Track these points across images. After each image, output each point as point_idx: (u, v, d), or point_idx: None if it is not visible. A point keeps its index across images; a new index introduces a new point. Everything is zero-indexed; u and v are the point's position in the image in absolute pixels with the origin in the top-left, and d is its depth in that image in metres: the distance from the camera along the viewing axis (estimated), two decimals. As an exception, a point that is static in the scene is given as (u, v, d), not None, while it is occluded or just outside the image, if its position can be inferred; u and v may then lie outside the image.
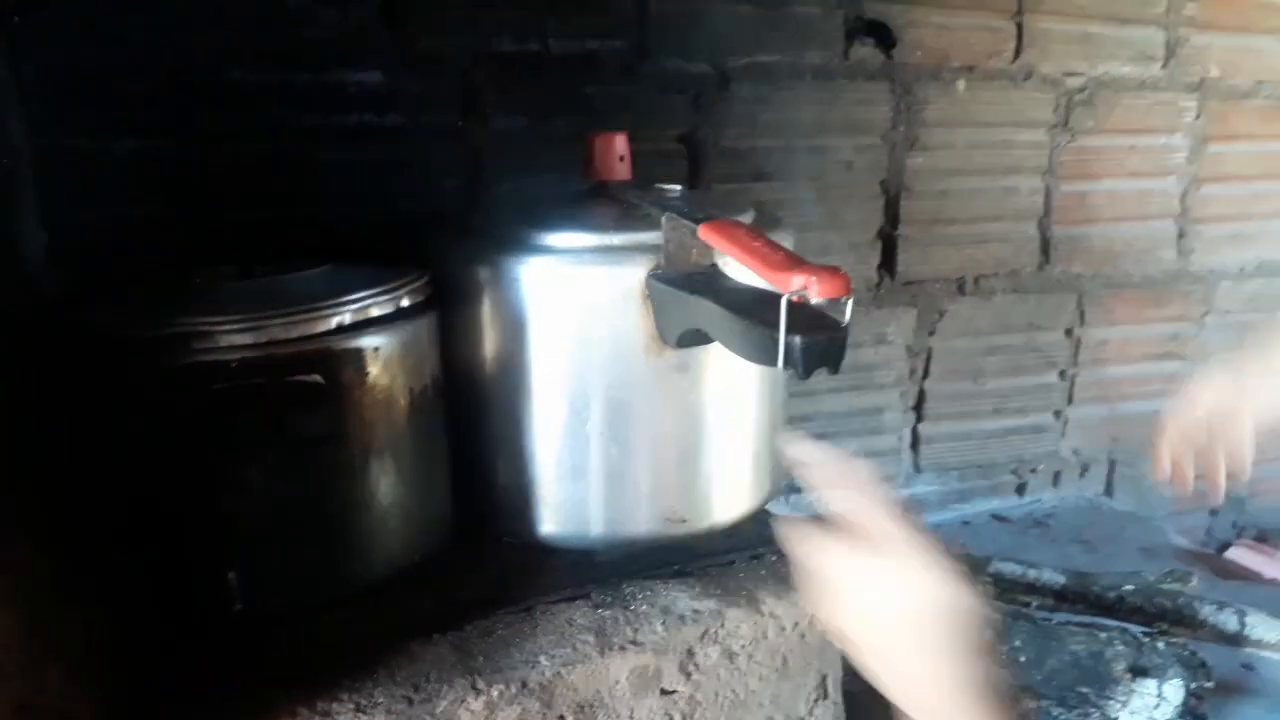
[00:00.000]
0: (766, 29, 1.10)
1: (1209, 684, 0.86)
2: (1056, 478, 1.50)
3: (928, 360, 1.34)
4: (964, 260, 1.32)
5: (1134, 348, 1.49)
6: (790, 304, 0.54)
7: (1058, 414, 1.46)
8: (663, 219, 0.68)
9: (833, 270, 0.55)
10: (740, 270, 0.65)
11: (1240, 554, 1.39)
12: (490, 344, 0.74)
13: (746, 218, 0.76)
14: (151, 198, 0.82)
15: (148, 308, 0.57)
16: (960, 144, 1.27)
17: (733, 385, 0.76)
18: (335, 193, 0.90)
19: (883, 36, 1.18)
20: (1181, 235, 1.47)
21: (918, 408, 1.36)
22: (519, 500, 0.76)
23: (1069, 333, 1.42)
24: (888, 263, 1.27)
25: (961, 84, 1.24)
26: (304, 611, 0.61)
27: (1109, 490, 1.55)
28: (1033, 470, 1.47)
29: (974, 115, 1.27)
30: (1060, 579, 0.97)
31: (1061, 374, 1.44)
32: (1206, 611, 0.95)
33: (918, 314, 1.31)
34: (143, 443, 0.55)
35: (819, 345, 0.54)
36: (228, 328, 0.56)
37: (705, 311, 0.63)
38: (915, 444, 1.37)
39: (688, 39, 1.06)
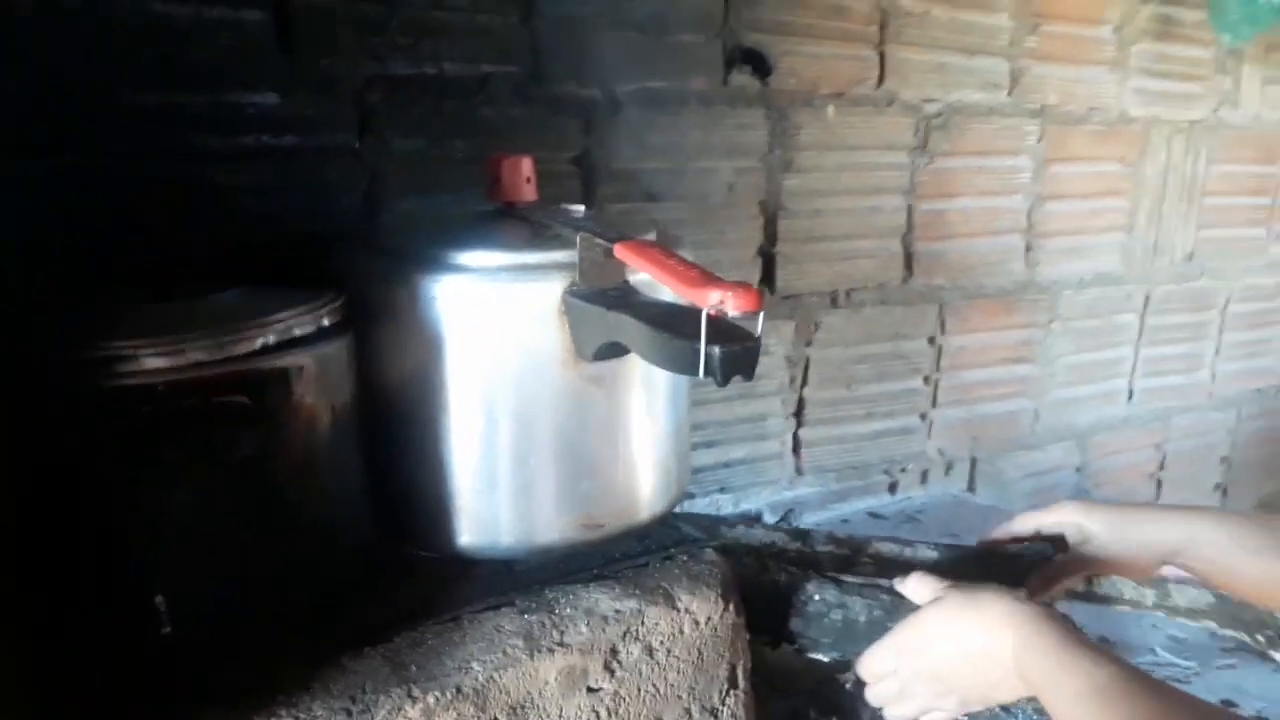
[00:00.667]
0: (653, 56, 1.16)
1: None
2: (924, 476, 1.61)
3: (806, 369, 1.42)
4: (836, 275, 1.41)
5: (989, 353, 1.62)
6: (709, 317, 0.58)
7: (923, 416, 1.57)
8: (578, 238, 0.71)
9: (746, 286, 0.59)
10: (652, 286, 0.70)
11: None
12: (407, 361, 0.75)
13: (651, 237, 0.81)
14: (51, 221, 0.79)
15: (70, 331, 0.57)
16: (831, 166, 1.36)
17: (644, 396, 0.80)
18: (234, 213, 0.89)
19: (759, 65, 1.25)
20: (1029, 249, 1.61)
21: (798, 414, 1.43)
22: (439, 513, 0.77)
23: (931, 340, 1.53)
24: (768, 278, 1.34)
25: (831, 109, 1.33)
26: (234, 631, 0.61)
27: (971, 486, 1.68)
28: (903, 469, 1.57)
29: (843, 139, 1.36)
30: (934, 554, 1.05)
31: (926, 379, 1.55)
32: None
33: (795, 326, 1.39)
34: (69, 467, 0.54)
35: (736, 355, 0.58)
36: (153, 351, 0.56)
37: (624, 326, 0.67)
38: (797, 448, 1.44)
39: (579, 64, 1.10)
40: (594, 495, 0.79)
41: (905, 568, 1.07)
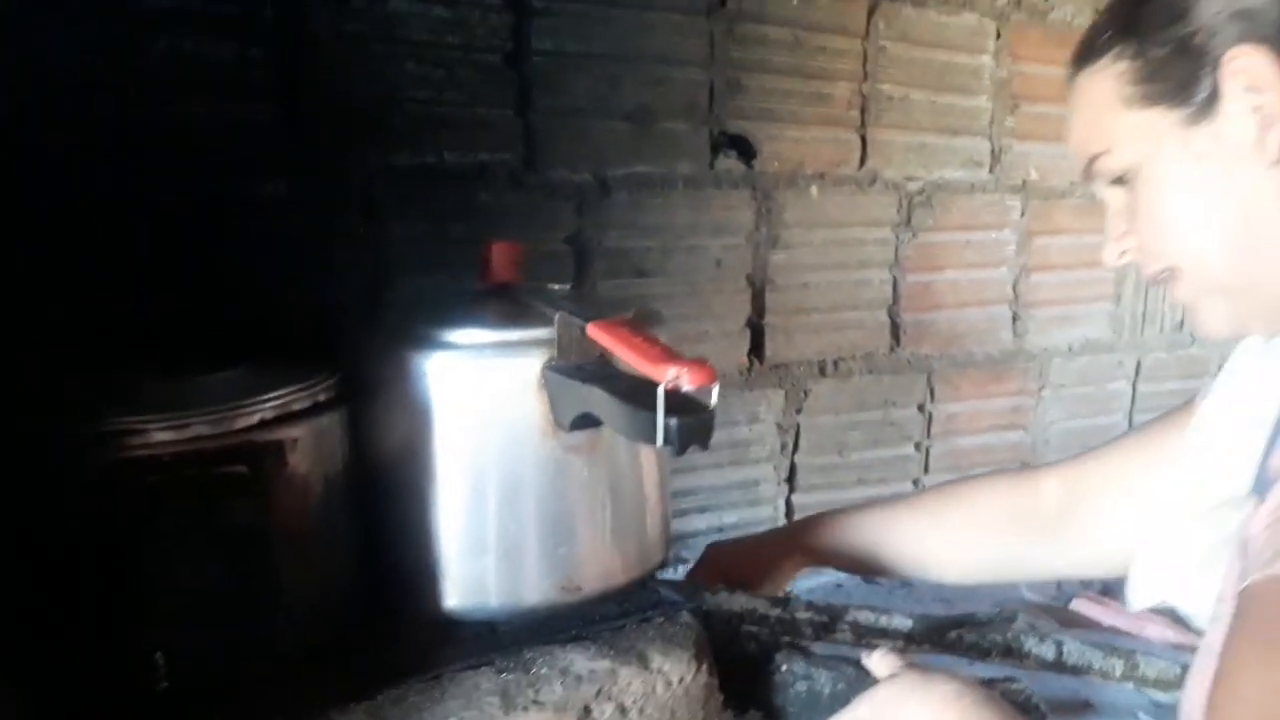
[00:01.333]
0: (641, 143, 1.23)
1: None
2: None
3: (797, 436, 1.46)
4: (825, 345, 1.46)
5: (980, 420, 1.66)
6: (666, 391, 0.63)
7: (916, 482, 1.60)
8: (555, 317, 0.77)
9: (701, 362, 0.65)
10: (622, 362, 0.75)
11: (1082, 605, 1.54)
12: (398, 432, 0.81)
13: (629, 314, 0.87)
14: (73, 300, 0.86)
15: (87, 405, 0.63)
16: (817, 242, 1.42)
17: (622, 464, 0.84)
18: (246, 293, 0.96)
19: (744, 149, 1.32)
20: (1016, 318, 1.66)
21: (790, 480, 1.47)
22: (426, 577, 0.82)
23: (921, 408, 1.58)
24: (756, 348, 1.40)
25: (815, 189, 1.40)
26: (227, 687, 0.66)
27: (967, 551, 1.69)
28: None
29: (828, 216, 1.42)
30: (908, 622, 1.08)
31: (917, 446, 1.59)
32: (1030, 644, 1.07)
33: (785, 394, 1.44)
34: (79, 532, 0.60)
35: (691, 425, 0.63)
36: (160, 425, 0.62)
37: (595, 398, 0.72)
38: (789, 513, 1.48)
39: (570, 152, 1.18)
40: (574, 559, 0.83)
41: (881, 635, 1.10)
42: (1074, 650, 1.07)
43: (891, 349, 1.53)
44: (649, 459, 0.88)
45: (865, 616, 1.13)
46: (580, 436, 0.79)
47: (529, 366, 0.77)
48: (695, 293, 1.32)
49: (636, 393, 0.67)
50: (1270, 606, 0.56)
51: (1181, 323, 1.88)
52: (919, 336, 1.55)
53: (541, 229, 1.17)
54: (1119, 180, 0.74)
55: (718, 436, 1.37)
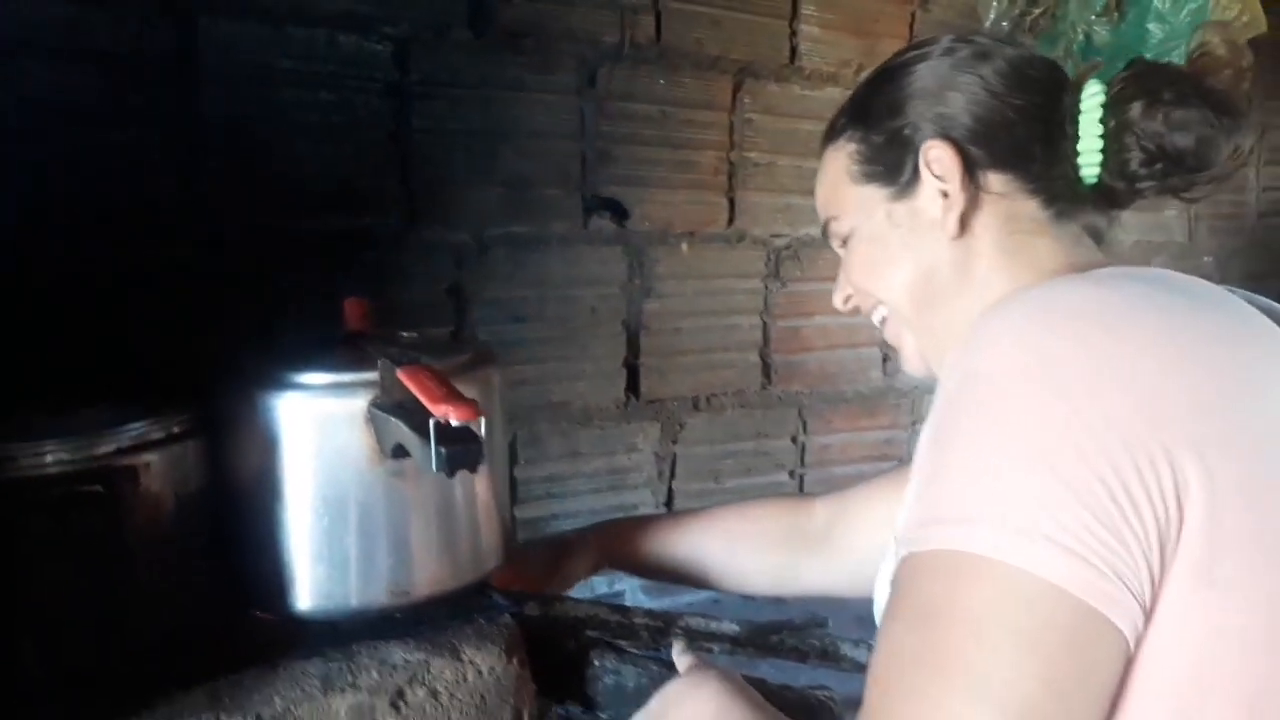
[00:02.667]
0: (517, 206, 1.40)
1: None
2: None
3: (673, 464, 1.61)
4: (697, 383, 1.62)
5: (854, 450, 1.81)
6: (438, 425, 0.79)
7: (792, 508, 1.75)
8: (379, 362, 0.93)
9: (468, 402, 0.81)
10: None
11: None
12: (251, 460, 0.96)
13: (461, 357, 1.03)
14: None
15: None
16: (689, 292, 1.58)
17: (447, 485, 1.00)
18: (148, 341, 1.12)
19: (617, 210, 1.49)
20: (886, 359, 1.82)
21: (668, 504, 1.62)
22: (275, 583, 0.97)
23: (794, 440, 1.73)
24: (633, 386, 1.56)
25: (685, 246, 1.57)
26: (90, 675, 0.81)
27: (845, 572, 1.84)
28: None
29: (698, 269, 1.59)
30: (735, 628, 1.23)
31: (791, 474, 1.74)
32: (845, 648, 1.22)
33: (661, 426, 1.59)
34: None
35: (457, 453, 0.79)
36: (31, 453, 0.78)
37: (402, 431, 0.88)
38: (668, 537, 1.63)
39: (450, 215, 1.34)
40: (402, 568, 0.98)
41: (710, 639, 1.26)
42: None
43: (763, 386, 1.68)
44: (479, 480, 1.04)
45: (697, 622, 1.28)
46: (403, 463, 0.95)
47: (358, 404, 0.93)
48: (572, 337, 1.48)
49: (423, 426, 0.83)
50: (901, 582, 0.62)
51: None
52: (790, 375, 1.70)
53: (424, 282, 1.34)
54: (844, 241, 0.88)
55: (596, 463, 1.53)
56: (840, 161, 0.87)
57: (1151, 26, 1.61)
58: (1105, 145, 0.76)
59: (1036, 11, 1.65)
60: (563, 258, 1.45)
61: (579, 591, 1.54)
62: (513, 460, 1.45)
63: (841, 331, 1.76)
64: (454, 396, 0.82)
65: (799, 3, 1.60)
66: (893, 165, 0.81)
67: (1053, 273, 0.75)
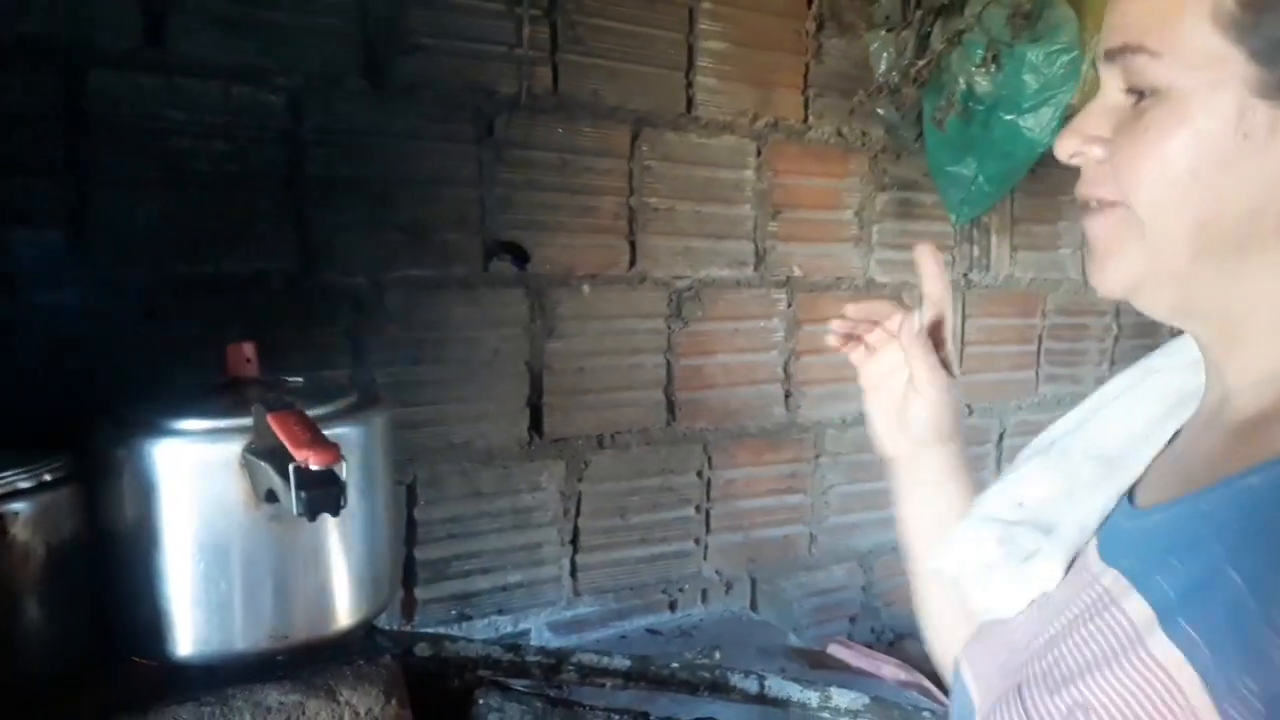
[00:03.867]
0: (415, 251, 1.43)
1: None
2: (704, 595, 1.82)
3: (579, 502, 1.64)
4: (602, 421, 1.65)
5: (759, 484, 1.86)
6: (298, 469, 0.82)
7: (698, 541, 1.79)
8: (253, 408, 0.95)
9: (329, 446, 0.83)
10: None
11: (837, 650, 1.73)
12: (130, 506, 0.98)
13: (345, 400, 1.06)
14: None
15: None
16: (591, 332, 1.62)
17: (325, 529, 1.02)
18: (35, 389, 1.13)
19: (518, 254, 1.53)
20: (789, 395, 1.87)
21: (574, 541, 1.65)
22: (153, 629, 0.98)
23: (699, 474, 1.77)
24: (536, 425, 1.59)
25: (586, 288, 1.61)
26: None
27: (753, 604, 1.88)
28: (680, 589, 1.78)
29: (600, 310, 1.63)
30: (627, 663, 1.26)
31: (697, 508, 1.78)
32: (735, 679, 1.26)
33: (566, 464, 1.62)
34: None
35: (316, 496, 0.82)
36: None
37: (271, 476, 0.90)
38: (574, 572, 1.66)
39: (346, 259, 1.37)
40: (281, 612, 1.00)
41: (603, 674, 1.28)
42: (774, 685, 1.26)
43: (668, 423, 1.72)
44: (361, 521, 1.06)
45: (589, 658, 1.31)
46: (280, 507, 0.97)
47: (233, 450, 0.95)
48: (474, 378, 1.51)
49: (287, 470, 0.86)
50: None
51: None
52: (694, 412, 1.75)
53: (321, 325, 1.36)
54: (1138, 92, 0.57)
55: (500, 503, 1.56)
56: None
57: (1027, 78, 1.70)
58: None
59: (921, 63, 1.73)
60: (463, 300, 1.48)
61: (482, 632, 1.57)
62: (412, 501, 1.47)
63: (743, 370, 1.81)
64: (316, 441, 0.84)
65: (694, 54, 1.67)
66: None
67: None
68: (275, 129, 1.30)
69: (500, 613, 1.59)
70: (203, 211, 1.26)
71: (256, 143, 1.29)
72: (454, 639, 1.27)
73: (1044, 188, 2.09)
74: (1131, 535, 0.61)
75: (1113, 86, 0.59)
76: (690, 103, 1.68)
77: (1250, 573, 0.47)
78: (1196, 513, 0.54)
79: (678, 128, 1.67)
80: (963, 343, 2.11)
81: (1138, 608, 0.53)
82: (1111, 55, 0.58)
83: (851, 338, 0.91)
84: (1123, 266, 0.59)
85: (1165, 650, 0.49)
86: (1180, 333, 0.67)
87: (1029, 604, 0.65)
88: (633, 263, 1.65)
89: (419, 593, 1.50)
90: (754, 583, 1.88)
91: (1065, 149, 0.61)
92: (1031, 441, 0.76)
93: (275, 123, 1.30)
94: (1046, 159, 1.86)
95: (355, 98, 1.36)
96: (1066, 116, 1.71)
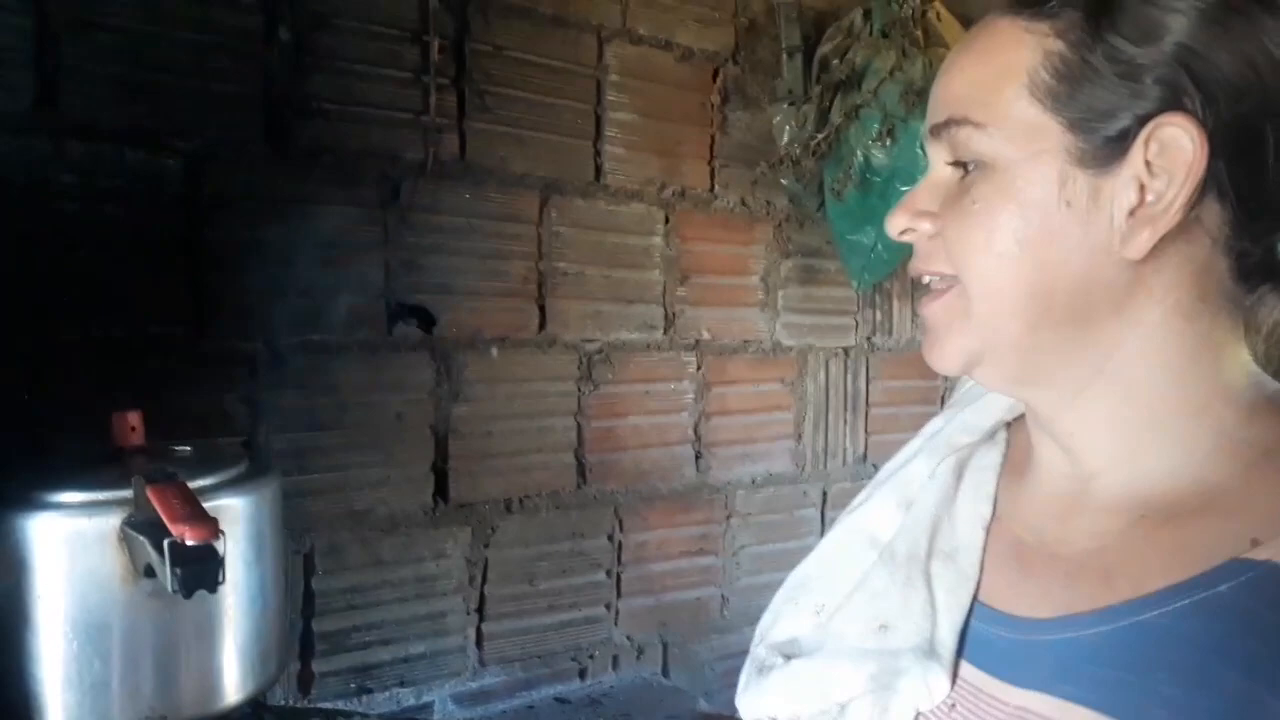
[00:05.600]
0: (316, 315, 1.41)
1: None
2: (615, 661, 1.80)
3: (485, 569, 1.62)
4: (510, 485, 1.64)
5: (671, 546, 1.86)
6: (173, 544, 0.79)
7: (609, 606, 1.77)
8: (133, 479, 0.92)
9: (207, 521, 0.81)
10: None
11: (748, 713, 1.72)
12: (1, 583, 0.93)
13: (234, 470, 1.03)
14: None
15: None
16: (500, 395, 1.62)
17: (210, 603, 0.99)
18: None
19: (423, 317, 1.52)
20: (699, 456, 1.89)
21: (480, 609, 1.62)
22: (23, 709, 0.93)
23: (610, 538, 1.77)
24: (441, 490, 1.57)
25: (495, 351, 1.61)
26: None
27: (665, 669, 1.87)
28: (591, 656, 1.76)
29: (509, 373, 1.63)
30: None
31: (608, 573, 1.77)
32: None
33: (472, 530, 1.60)
34: None
35: (192, 573, 0.79)
36: None
37: (148, 551, 0.87)
38: (480, 641, 1.62)
39: (243, 324, 1.35)
40: (159, 691, 0.96)
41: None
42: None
43: (578, 486, 1.72)
44: (248, 595, 1.03)
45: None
46: (159, 582, 0.93)
47: (108, 524, 0.92)
48: (376, 443, 1.49)
49: (162, 545, 0.83)
50: None
51: (865, 454, 2.15)
52: (604, 474, 1.75)
53: (215, 392, 1.33)
54: (964, 164, 0.58)
55: (403, 572, 1.52)
56: (1026, 54, 0.55)
57: (920, 151, 1.78)
58: None
59: (821, 136, 1.80)
60: (365, 364, 1.47)
61: (383, 705, 1.52)
62: (310, 571, 1.43)
63: (653, 431, 1.82)
64: (193, 515, 0.82)
65: (602, 124, 1.71)
66: (1104, 111, 0.53)
67: (1251, 388, 0.55)
68: (172, 193, 1.29)
69: (402, 685, 1.54)
70: (93, 275, 1.23)
71: (152, 207, 1.27)
72: (349, 714, 1.24)
73: (942, 254, 2.17)
74: (1039, 650, 0.55)
75: (939, 161, 0.60)
76: (599, 171, 1.71)
77: None
78: (1157, 628, 0.50)
79: (586, 195, 1.70)
80: (867, 404, 2.16)
81: None
82: (936, 131, 0.59)
83: None
84: (959, 342, 0.58)
85: None
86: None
87: None
88: (542, 326, 1.66)
89: (316, 665, 1.45)
90: (665, 647, 1.87)
91: (896, 226, 0.61)
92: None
93: (172, 187, 1.28)
94: (942, 228, 1.94)
95: (256, 162, 1.35)
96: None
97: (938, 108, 0.59)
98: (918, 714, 0.59)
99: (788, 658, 0.64)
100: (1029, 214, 0.55)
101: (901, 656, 0.59)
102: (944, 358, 0.60)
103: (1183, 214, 0.53)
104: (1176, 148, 0.52)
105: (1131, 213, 0.53)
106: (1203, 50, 0.52)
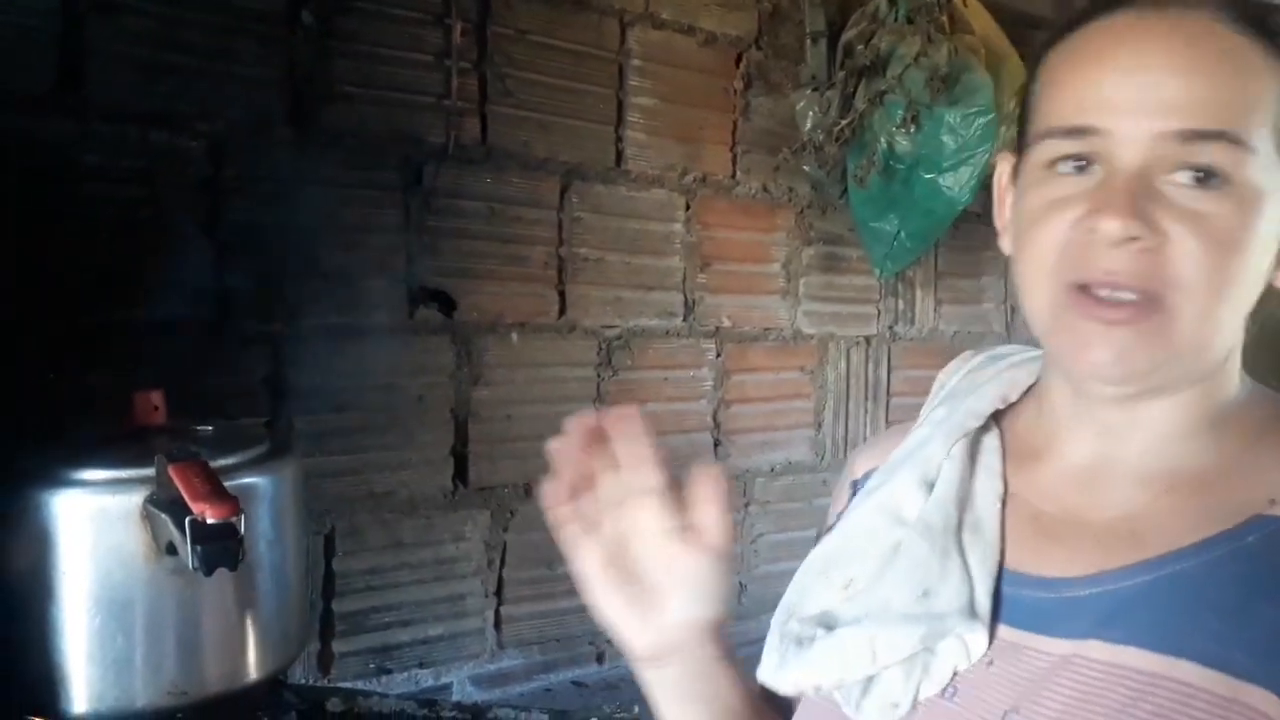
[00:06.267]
0: (338, 298, 1.42)
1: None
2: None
3: (504, 552, 1.63)
4: (530, 469, 1.64)
5: (689, 535, 1.85)
6: (194, 522, 0.80)
7: (626, 593, 1.77)
8: (155, 458, 0.93)
9: (228, 500, 0.82)
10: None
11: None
12: (26, 558, 0.94)
13: (256, 450, 1.04)
14: None
15: None
16: (520, 380, 1.62)
17: (222, 583, 0.99)
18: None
19: (444, 302, 1.53)
20: (718, 444, 1.88)
21: (499, 593, 1.63)
22: (48, 686, 0.94)
23: (628, 525, 1.76)
24: (461, 474, 1.57)
25: (515, 336, 1.61)
26: None
27: (682, 656, 1.87)
28: (608, 641, 1.76)
29: (529, 358, 1.63)
30: (544, 718, 1.24)
31: (626, 559, 1.77)
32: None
33: (491, 514, 1.61)
34: None
35: (213, 551, 0.80)
36: None
37: (170, 529, 0.88)
38: (498, 624, 1.63)
39: (266, 307, 1.36)
40: (181, 668, 0.97)
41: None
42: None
43: (596, 473, 1.72)
44: (269, 574, 1.04)
45: (506, 714, 1.29)
46: (181, 560, 0.94)
47: (133, 501, 0.93)
48: (397, 425, 1.50)
49: (184, 523, 0.84)
50: None
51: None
52: (623, 462, 1.74)
53: (238, 373, 1.34)
54: (1211, 175, 0.54)
55: (422, 554, 1.53)
56: (1274, 90, 0.55)
57: (945, 138, 1.77)
58: None
59: (844, 122, 1.79)
60: (387, 347, 1.47)
61: (402, 686, 1.53)
62: (330, 552, 1.44)
63: (672, 418, 1.82)
64: (214, 494, 0.83)
65: (624, 109, 1.70)
66: None
67: (1249, 388, 0.62)
68: (195, 175, 1.29)
69: (421, 666, 1.55)
70: (117, 257, 1.24)
71: (174, 188, 1.28)
72: (368, 694, 1.24)
73: (967, 243, 2.15)
74: (1077, 604, 0.57)
75: (1162, 164, 0.55)
76: (620, 156, 1.71)
77: None
78: (1194, 576, 0.54)
79: (608, 180, 1.70)
80: (888, 393, 2.15)
81: (1191, 671, 0.51)
82: (1191, 136, 0.54)
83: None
84: (1149, 362, 0.56)
85: (1269, 704, 0.49)
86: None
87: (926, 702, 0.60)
88: (562, 311, 1.66)
89: (336, 646, 1.46)
90: (683, 633, 1.86)
91: (1127, 229, 0.54)
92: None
93: (195, 169, 1.29)
94: (968, 216, 1.93)
95: (279, 145, 1.36)
96: (984, 175, 1.78)
97: (1191, 113, 0.54)
98: (955, 673, 0.60)
99: (829, 629, 0.65)
100: (1265, 249, 0.56)
101: (947, 619, 0.61)
102: (1127, 373, 0.57)
103: None
104: None
105: None
106: None
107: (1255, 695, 0.49)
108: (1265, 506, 0.55)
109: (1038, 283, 0.59)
